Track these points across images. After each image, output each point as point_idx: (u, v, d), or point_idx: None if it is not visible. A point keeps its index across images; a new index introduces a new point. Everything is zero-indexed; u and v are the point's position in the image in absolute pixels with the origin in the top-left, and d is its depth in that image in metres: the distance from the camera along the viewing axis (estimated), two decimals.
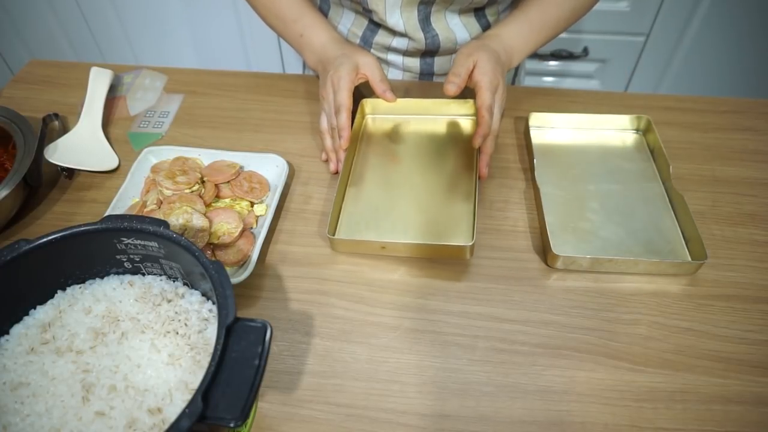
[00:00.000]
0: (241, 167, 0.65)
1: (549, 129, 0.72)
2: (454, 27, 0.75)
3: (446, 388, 0.48)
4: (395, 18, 0.73)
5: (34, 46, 1.65)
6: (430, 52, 0.78)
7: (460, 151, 0.68)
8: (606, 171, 0.66)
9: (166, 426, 0.33)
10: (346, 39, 0.73)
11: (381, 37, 0.78)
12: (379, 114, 0.73)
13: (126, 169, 0.66)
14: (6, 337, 0.44)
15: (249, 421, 0.45)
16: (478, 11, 0.75)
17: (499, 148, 0.70)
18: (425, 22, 0.74)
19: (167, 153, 0.66)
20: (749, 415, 0.46)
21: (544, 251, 0.58)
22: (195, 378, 0.40)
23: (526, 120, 0.71)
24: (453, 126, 0.72)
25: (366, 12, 0.75)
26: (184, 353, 0.42)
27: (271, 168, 0.65)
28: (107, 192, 0.65)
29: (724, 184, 0.65)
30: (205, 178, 0.62)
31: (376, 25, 0.77)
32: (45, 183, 0.66)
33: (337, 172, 0.66)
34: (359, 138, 0.70)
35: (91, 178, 0.67)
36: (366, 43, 0.79)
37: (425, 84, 0.81)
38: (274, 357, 0.50)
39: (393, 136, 0.71)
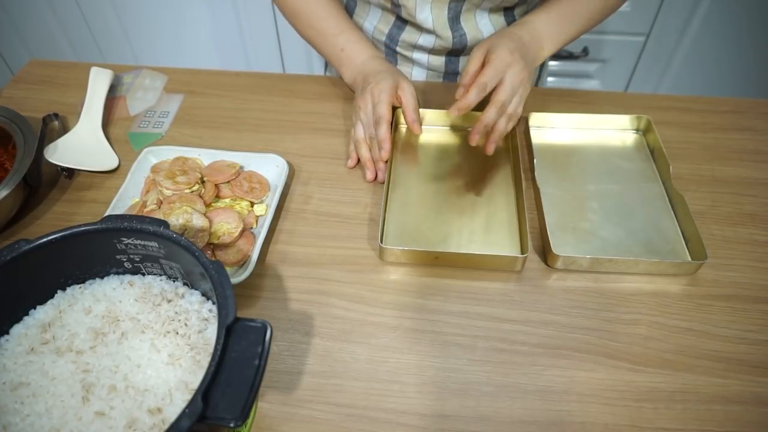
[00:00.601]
0: (241, 167, 0.65)
1: (549, 129, 0.72)
2: (482, 27, 0.75)
3: (446, 388, 0.48)
4: (425, 14, 0.73)
5: (34, 46, 1.65)
6: (456, 51, 0.78)
7: (495, 164, 0.68)
8: (606, 171, 0.66)
9: (166, 426, 0.33)
10: (385, 58, 0.74)
11: (408, 35, 0.78)
12: (427, 125, 0.73)
13: (126, 169, 0.66)
14: (6, 337, 0.44)
15: (249, 421, 0.45)
16: (508, 11, 0.76)
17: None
18: (455, 20, 0.74)
19: (167, 153, 0.66)
20: (749, 415, 0.46)
21: (544, 251, 0.58)
22: (195, 378, 0.40)
23: (526, 120, 0.71)
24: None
25: (395, 8, 0.75)
26: (184, 353, 0.42)
27: (271, 168, 0.65)
28: (107, 192, 0.65)
29: (723, 184, 0.65)
30: (205, 178, 0.62)
31: (403, 21, 0.77)
32: (45, 183, 0.66)
33: (374, 180, 0.66)
34: (393, 147, 0.69)
35: (91, 178, 0.67)
36: (392, 41, 0.80)
37: (449, 85, 0.81)
38: (274, 357, 0.50)
39: (427, 146, 0.71)
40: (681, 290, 0.55)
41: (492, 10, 0.74)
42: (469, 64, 0.62)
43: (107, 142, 0.71)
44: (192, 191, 0.60)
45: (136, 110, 0.77)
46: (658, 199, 0.63)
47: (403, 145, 0.71)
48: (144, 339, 0.43)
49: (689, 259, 0.57)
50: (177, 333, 0.43)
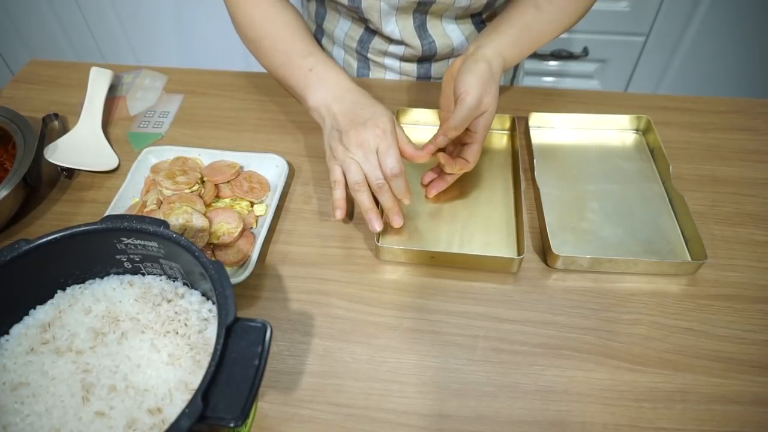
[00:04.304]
0: (241, 167, 0.65)
1: (549, 129, 0.72)
2: (450, 33, 0.75)
3: (446, 388, 0.48)
4: (391, 26, 0.73)
5: (34, 46, 1.65)
6: (426, 57, 0.78)
7: (494, 164, 0.67)
8: (606, 171, 0.66)
9: (166, 426, 0.33)
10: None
11: (377, 44, 0.78)
12: (410, 124, 0.73)
13: (126, 169, 0.66)
14: (6, 337, 0.44)
15: (249, 421, 0.45)
16: (475, 17, 0.75)
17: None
18: (421, 29, 0.74)
19: (167, 153, 0.66)
20: (749, 415, 0.46)
21: (544, 251, 0.58)
22: (195, 378, 0.40)
23: (526, 120, 0.71)
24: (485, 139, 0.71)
25: (362, 21, 0.75)
26: (184, 353, 0.42)
27: (271, 168, 0.65)
28: (107, 192, 0.65)
29: (723, 184, 0.65)
30: (205, 178, 0.62)
31: (372, 32, 0.77)
32: (45, 183, 0.66)
33: (379, 229, 0.56)
34: None
35: (91, 178, 0.67)
36: (363, 48, 0.79)
37: (424, 85, 0.81)
38: (274, 357, 0.50)
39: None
40: (681, 290, 0.55)
41: (459, 17, 0.74)
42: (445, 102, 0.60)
43: (107, 142, 0.71)
44: (192, 191, 0.60)
45: (136, 110, 0.77)
46: (658, 199, 0.63)
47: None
48: (144, 339, 0.43)
49: (689, 259, 0.57)
50: (177, 333, 0.43)
